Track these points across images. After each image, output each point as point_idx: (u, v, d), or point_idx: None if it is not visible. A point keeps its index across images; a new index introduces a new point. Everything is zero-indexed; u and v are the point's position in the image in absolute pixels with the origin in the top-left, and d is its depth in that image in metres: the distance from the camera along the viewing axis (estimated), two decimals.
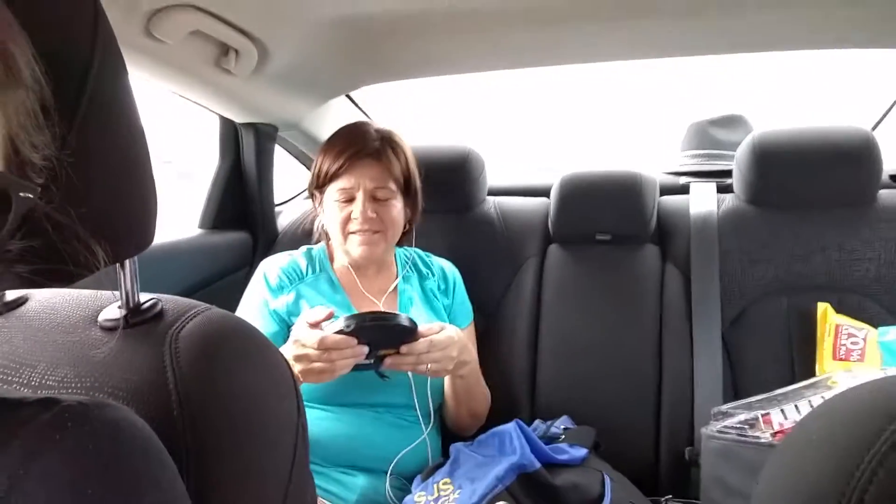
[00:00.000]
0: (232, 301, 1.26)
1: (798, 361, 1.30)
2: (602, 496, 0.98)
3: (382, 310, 1.22)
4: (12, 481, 0.32)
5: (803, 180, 1.36)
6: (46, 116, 0.37)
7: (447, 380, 1.22)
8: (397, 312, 1.07)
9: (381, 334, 1.03)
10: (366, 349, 1.02)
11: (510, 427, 1.06)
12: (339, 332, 1.00)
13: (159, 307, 0.50)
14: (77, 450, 0.34)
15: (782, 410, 1.00)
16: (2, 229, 0.32)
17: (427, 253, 1.41)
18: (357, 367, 1.04)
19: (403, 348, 1.05)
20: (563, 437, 1.14)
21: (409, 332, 1.05)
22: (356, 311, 1.14)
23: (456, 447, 1.12)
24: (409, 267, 1.35)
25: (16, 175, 0.35)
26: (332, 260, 1.31)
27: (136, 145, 0.46)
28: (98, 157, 0.42)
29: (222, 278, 1.55)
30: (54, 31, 0.39)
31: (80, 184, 0.40)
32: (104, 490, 0.33)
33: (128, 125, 0.45)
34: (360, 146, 1.20)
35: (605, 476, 1.02)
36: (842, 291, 1.33)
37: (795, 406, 1.00)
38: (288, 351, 1.02)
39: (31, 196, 0.33)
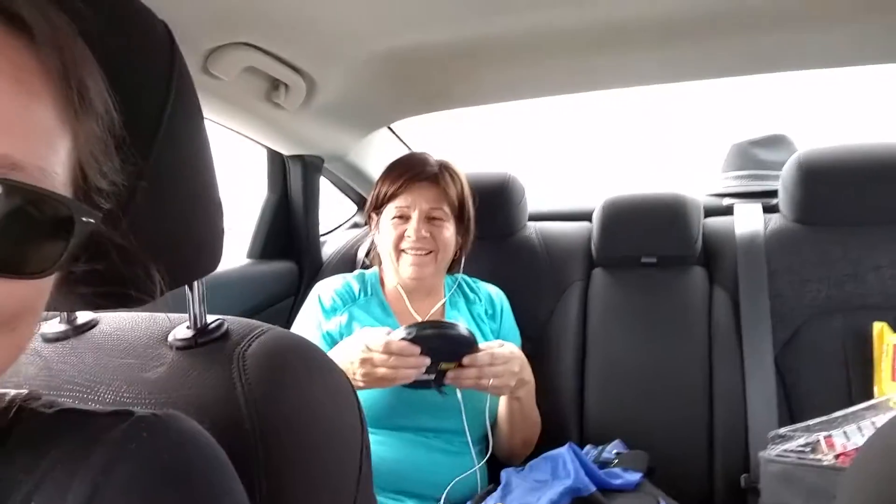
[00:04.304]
0: None
1: (855, 383, 1.26)
2: None
3: (441, 320, 1.22)
4: (94, 489, 0.33)
5: (852, 197, 1.33)
6: (116, 145, 0.38)
7: (502, 403, 1.21)
8: (456, 322, 1.07)
9: (441, 344, 1.03)
10: (427, 360, 1.02)
11: (563, 451, 1.04)
12: (402, 339, 1.01)
13: (225, 327, 0.52)
14: (152, 459, 0.35)
15: (844, 432, 0.97)
16: (65, 252, 0.33)
17: (474, 279, 1.42)
18: (417, 383, 1.04)
19: (466, 360, 1.05)
20: (616, 461, 1.12)
21: (469, 344, 1.05)
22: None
23: (507, 472, 1.11)
24: (456, 291, 1.36)
25: (82, 200, 0.36)
26: (383, 284, 1.34)
27: (206, 176, 0.48)
28: (170, 187, 0.45)
29: (269, 307, 1.58)
30: (131, 66, 0.41)
31: (149, 211, 0.42)
32: (180, 498, 0.34)
33: (199, 158, 0.47)
34: (418, 170, 1.25)
35: (661, 501, 1.00)
36: None
37: (858, 427, 0.96)
38: (351, 354, 1.04)
39: (92, 221, 0.35)
